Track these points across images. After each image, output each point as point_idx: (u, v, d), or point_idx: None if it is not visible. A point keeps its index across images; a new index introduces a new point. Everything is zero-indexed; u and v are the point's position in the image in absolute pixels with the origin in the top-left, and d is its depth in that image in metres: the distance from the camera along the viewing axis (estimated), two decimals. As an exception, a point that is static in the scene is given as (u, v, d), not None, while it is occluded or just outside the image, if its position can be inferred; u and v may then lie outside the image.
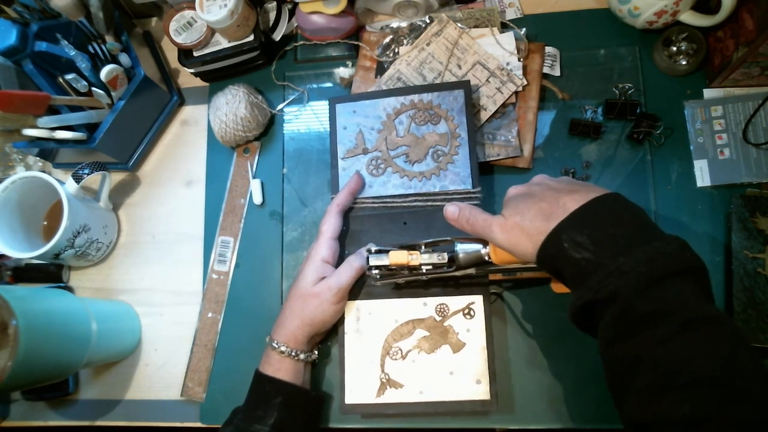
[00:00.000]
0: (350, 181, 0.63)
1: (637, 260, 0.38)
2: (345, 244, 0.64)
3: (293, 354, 0.57)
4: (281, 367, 0.57)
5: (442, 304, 0.59)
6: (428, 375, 0.58)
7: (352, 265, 0.59)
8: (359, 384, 0.59)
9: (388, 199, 0.62)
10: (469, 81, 0.65)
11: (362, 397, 0.58)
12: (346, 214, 0.64)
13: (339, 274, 0.58)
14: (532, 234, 0.44)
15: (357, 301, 0.61)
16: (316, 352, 0.61)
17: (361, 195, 0.63)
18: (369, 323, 0.60)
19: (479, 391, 0.57)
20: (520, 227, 0.44)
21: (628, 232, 0.40)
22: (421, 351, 0.58)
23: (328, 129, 0.68)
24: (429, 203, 0.61)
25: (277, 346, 0.57)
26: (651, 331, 0.37)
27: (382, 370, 0.59)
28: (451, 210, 0.51)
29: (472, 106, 0.63)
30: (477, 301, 0.59)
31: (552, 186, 0.46)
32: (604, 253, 0.40)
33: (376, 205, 0.63)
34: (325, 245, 0.59)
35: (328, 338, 0.65)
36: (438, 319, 0.59)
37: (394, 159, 0.63)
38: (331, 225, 0.60)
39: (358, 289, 0.61)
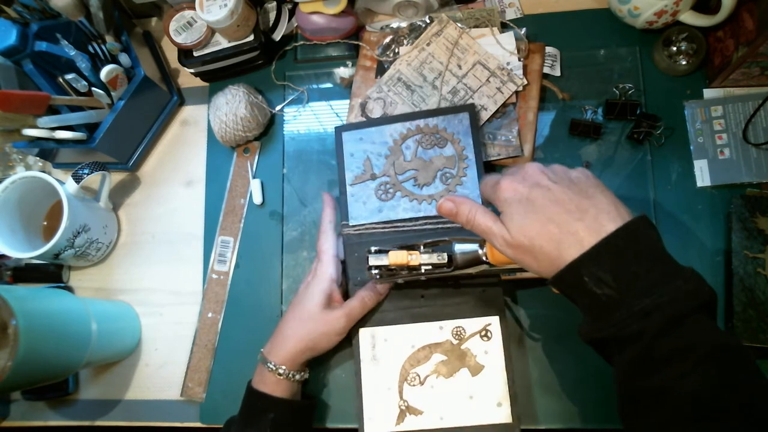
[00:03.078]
0: (327, 200, 0.64)
1: (661, 300, 0.39)
2: (349, 271, 0.62)
3: (290, 376, 0.56)
4: (277, 388, 0.56)
5: (459, 326, 0.58)
6: (448, 400, 0.56)
7: (364, 301, 0.58)
8: (378, 413, 0.58)
9: (398, 223, 0.62)
10: (473, 104, 0.65)
11: (382, 426, 0.57)
12: (351, 240, 0.62)
13: (351, 308, 0.57)
14: (541, 260, 0.43)
15: (372, 328, 0.60)
16: (308, 370, 0.60)
17: (371, 220, 0.63)
18: (385, 350, 0.59)
19: (501, 414, 0.55)
20: (528, 249, 0.43)
21: (649, 269, 0.40)
22: (440, 376, 0.57)
23: (333, 145, 0.67)
24: (440, 226, 0.61)
25: (274, 368, 0.56)
26: (673, 366, 0.38)
27: (401, 397, 0.57)
28: (447, 207, 0.48)
29: (477, 128, 0.63)
30: (494, 322, 0.58)
31: (555, 194, 0.43)
32: (628, 292, 0.40)
33: (387, 229, 0.62)
34: (331, 263, 0.59)
35: (339, 365, 0.64)
36: (455, 342, 0.58)
37: (402, 183, 0.63)
38: (331, 242, 0.60)
39: (372, 315, 0.60)
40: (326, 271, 0.58)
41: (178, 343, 0.69)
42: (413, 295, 0.60)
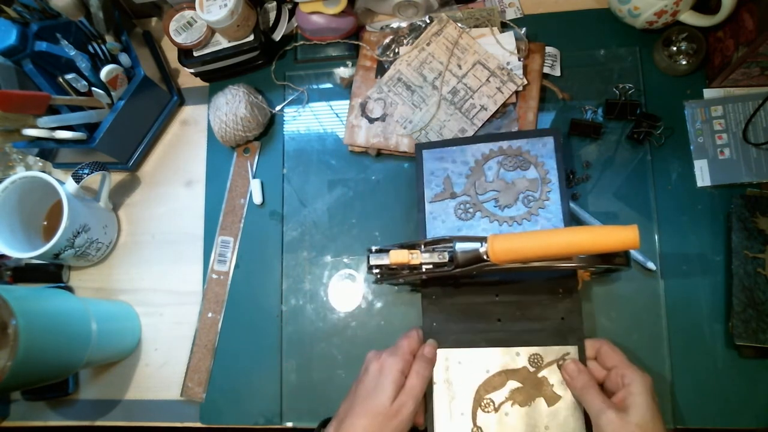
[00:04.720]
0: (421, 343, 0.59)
1: None
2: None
3: None
4: None
5: (536, 354, 0.57)
6: (522, 429, 0.55)
7: (423, 376, 0.54)
8: None
9: None
10: (559, 129, 0.63)
11: None
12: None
13: (414, 388, 0.53)
14: None
15: (446, 350, 0.58)
16: None
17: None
18: (459, 373, 0.57)
19: None
20: None
21: None
22: (515, 404, 0.55)
23: (415, 172, 0.65)
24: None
25: None
26: None
27: (474, 423, 0.56)
28: (572, 370, 0.54)
29: (561, 151, 0.62)
30: (572, 351, 0.56)
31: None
32: None
33: None
34: (405, 360, 0.55)
35: None
36: (531, 369, 0.56)
37: (483, 203, 0.62)
38: (415, 344, 0.57)
39: (448, 336, 0.59)
40: (397, 366, 0.54)
41: (178, 343, 0.69)
42: (490, 319, 0.59)
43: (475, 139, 0.65)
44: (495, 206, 0.62)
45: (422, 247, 0.54)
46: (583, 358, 0.56)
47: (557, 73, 0.69)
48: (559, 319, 0.58)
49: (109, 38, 0.69)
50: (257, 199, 0.71)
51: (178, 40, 0.71)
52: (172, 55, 0.78)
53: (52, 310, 0.59)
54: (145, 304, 0.72)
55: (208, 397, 0.67)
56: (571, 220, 0.65)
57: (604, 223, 0.63)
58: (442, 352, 0.58)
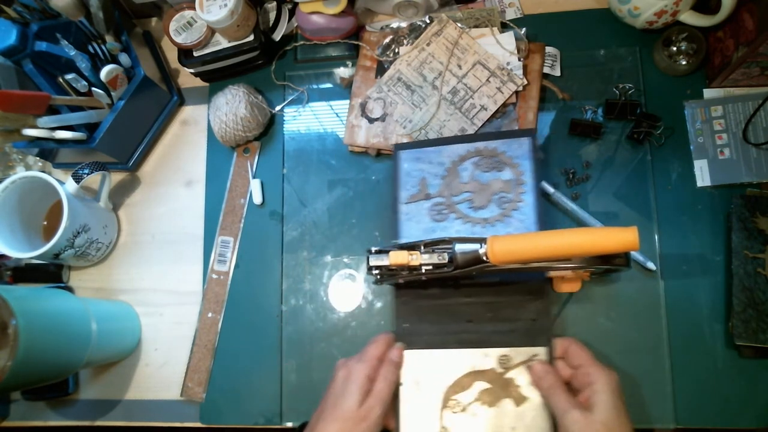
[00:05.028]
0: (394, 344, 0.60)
1: None
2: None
3: None
4: None
5: (505, 355, 0.57)
6: (489, 429, 0.55)
7: (390, 380, 0.55)
8: None
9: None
10: (535, 129, 0.64)
11: None
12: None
13: (380, 392, 0.54)
14: None
15: (417, 351, 0.58)
16: None
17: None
18: (428, 374, 0.57)
19: None
20: None
21: None
22: (483, 404, 0.55)
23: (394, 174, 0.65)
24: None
25: None
26: None
27: (441, 424, 0.56)
28: (539, 370, 0.54)
29: (536, 153, 0.62)
30: (541, 353, 0.56)
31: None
32: None
33: None
34: (371, 366, 0.55)
35: None
36: (500, 371, 0.56)
37: (457, 205, 0.62)
38: (382, 349, 0.57)
39: (418, 337, 0.59)
40: (364, 371, 0.54)
41: (178, 343, 0.69)
42: (461, 320, 0.60)
43: (452, 140, 0.65)
44: (469, 207, 0.62)
45: (422, 248, 0.54)
46: (551, 358, 0.56)
47: (557, 73, 0.69)
48: (530, 320, 0.58)
49: (109, 38, 0.69)
50: (257, 199, 0.71)
51: (178, 40, 0.71)
52: (172, 55, 0.78)
53: (52, 310, 0.59)
54: (145, 304, 0.72)
55: (208, 397, 0.67)
56: (573, 221, 0.65)
57: (604, 223, 0.63)
58: (412, 353, 0.58)
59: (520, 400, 0.55)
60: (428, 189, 0.63)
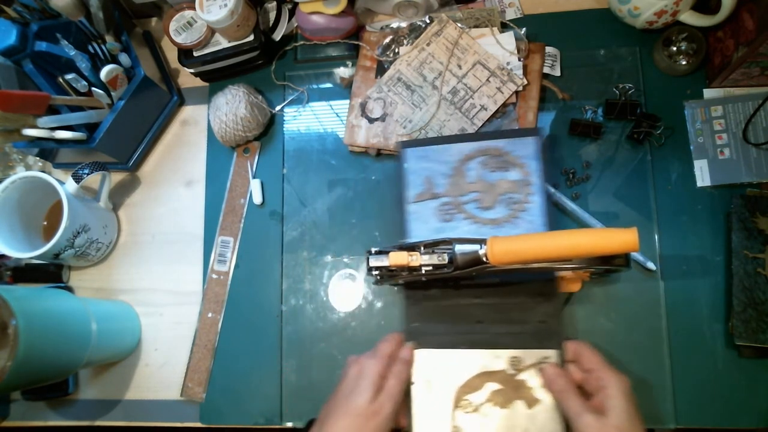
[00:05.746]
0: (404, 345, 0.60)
1: None
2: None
3: None
4: None
5: (516, 357, 0.57)
6: (501, 430, 0.54)
7: (401, 378, 0.55)
8: None
9: None
10: (542, 128, 0.63)
11: None
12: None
13: (392, 389, 0.54)
14: None
15: (427, 350, 0.58)
16: None
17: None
18: (439, 373, 0.57)
19: None
20: None
21: None
22: (495, 405, 0.55)
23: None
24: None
25: None
26: None
27: (453, 423, 0.56)
28: (551, 373, 0.53)
29: (544, 153, 0.61)
30: (552, 355, 0.56)
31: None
32: None
33: None
34: (383, 363, 0.55)
35: None
36: (511, 372, 0.56)
37: (464, 205, 0.61)
38: (393, 347, 0.57)
39: (428, 338, 0.59)
40: (376, 368, 0.54)
41: (178, 343, 0.70)
42: (471, 320, 0.59)
43: (457, 138, 0.64)
44: (476, 208, 0.61)
45: (422, 248, 0.54)
46: (562, 361, 0.56)
47: (557, 73, 0.69)
48: (538, 323, 0.58)
49: (109, 38, 0.69)
50: (257, 199, 0.71)
51: (178, 40, 0.71)
52: (172, 55, 0.78)
53: (52, 310, 0.59)
54: (145, 304, 0.72)
55: (208, 397, 0.67)
56: (573, 221, 0.65)
57: (604, 224, 0.63)
58: (423, 353, 0.58)
59: (532, 402, 0.55)
60: (435, 188, 0.63)
